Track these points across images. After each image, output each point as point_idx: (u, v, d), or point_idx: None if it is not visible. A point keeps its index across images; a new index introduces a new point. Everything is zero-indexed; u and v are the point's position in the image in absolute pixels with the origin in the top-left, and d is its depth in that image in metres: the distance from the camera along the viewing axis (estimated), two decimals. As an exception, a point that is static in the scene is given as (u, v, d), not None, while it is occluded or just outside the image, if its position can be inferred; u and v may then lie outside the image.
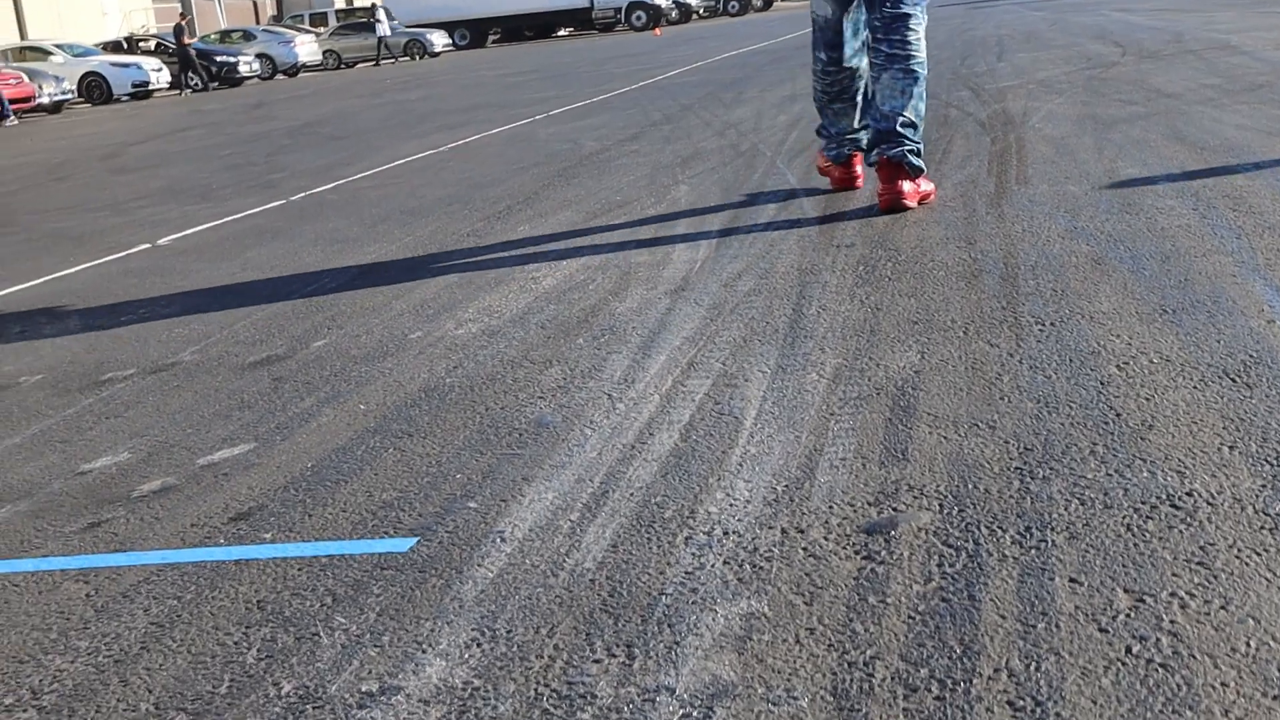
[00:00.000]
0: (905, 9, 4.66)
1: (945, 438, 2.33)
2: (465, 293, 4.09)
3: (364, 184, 7.47)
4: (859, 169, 5.21)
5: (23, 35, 36.66)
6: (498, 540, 2.10)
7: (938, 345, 2.92)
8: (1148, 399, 2.43)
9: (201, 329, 4.02)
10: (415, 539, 2.13)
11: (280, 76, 35.15)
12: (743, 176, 5.99)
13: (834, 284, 3.64)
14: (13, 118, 23.22)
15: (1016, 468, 2.16)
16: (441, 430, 2.71)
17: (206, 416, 3.04)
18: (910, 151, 4.66)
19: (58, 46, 30.04)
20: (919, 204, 4.68)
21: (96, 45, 32.30)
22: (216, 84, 31.80)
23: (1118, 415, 2.36)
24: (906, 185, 4.63)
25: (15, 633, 1.97)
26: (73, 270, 5.48)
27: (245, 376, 3.37)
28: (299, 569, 2.07)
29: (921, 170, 4.69)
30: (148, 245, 5.99)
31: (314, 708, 1.64)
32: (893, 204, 4.61)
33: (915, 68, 4.67)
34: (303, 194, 7.27)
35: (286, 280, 4.69)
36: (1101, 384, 2.54)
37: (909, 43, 4.66)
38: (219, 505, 2.42)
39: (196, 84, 31.24)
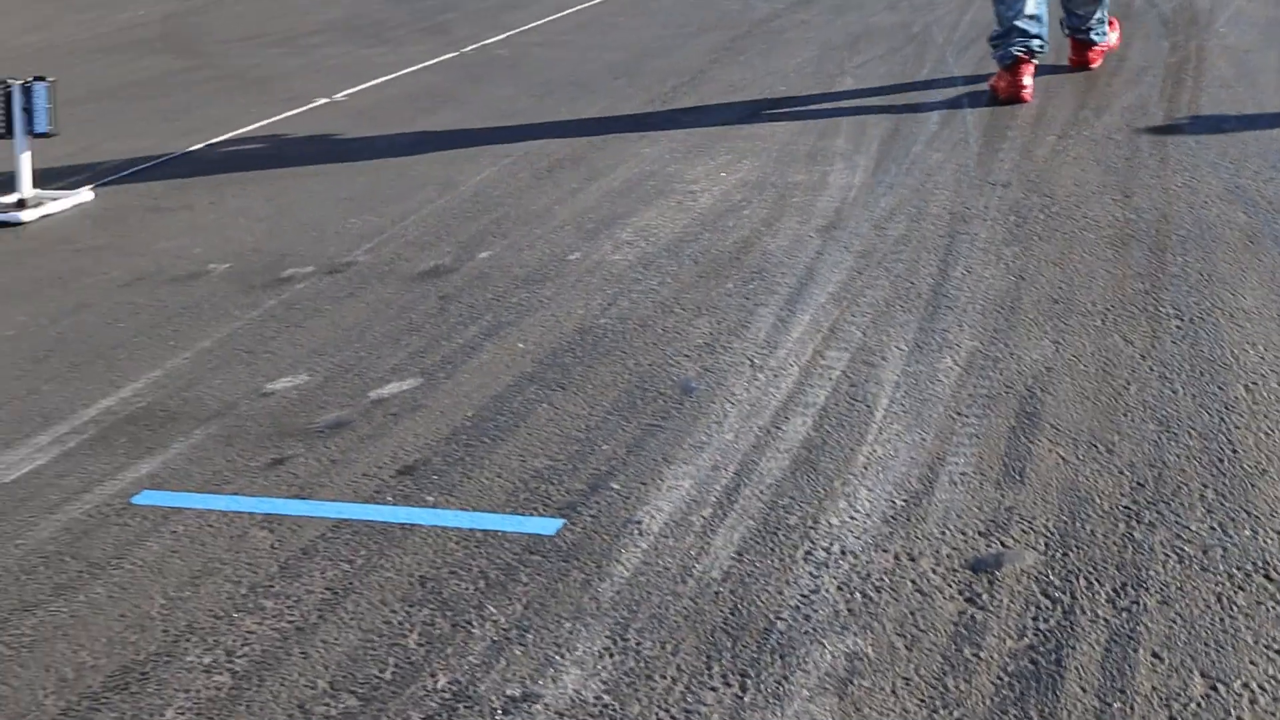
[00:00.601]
0: None
1: (1063, 458, 2.47)
2: (625, 205, 4.24)
3: (534, 38, 7.57)
4: (1026, 80, 5.21)
5: None
6: (635, 532, 2.31)
7: (1074, 335, 3.02)
8: (1267, 434, 2.52)
9: (375, 221, 4.25)
10: (562, 521, 2.35)
11: None
12: (910, 69, 5.99)
13: (983, 237, 3.72)
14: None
15: (1126, 507, 2.30)
16: (592, 386, 2.91)
17: (378, 338, 3.28)
18: (1096, 34, 5.62)
19: None
20: (1100, 60, 5.71)
21: None
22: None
23: (1234, 452, 2.46)
24: (1093, 53, 5.67)
25: (212, 582, 2.24)
26: (253, 127, 5.73)
27: (414, 290, 3.60)
28: (456, 542, 2.31)
29: (1103, 39, 5.68)
30: (324, 100, 6.20)
31: (465, 707, 1.88)
32: (1081, 65, 5.69)
33: None
34: (474, 46, 7.40)
35: (458, 163, 4.88)
36: (1225, 408, 2.64)
37: None
38: (387, 453, 2.66)
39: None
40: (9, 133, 4.62)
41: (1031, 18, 5.15)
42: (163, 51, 8.04)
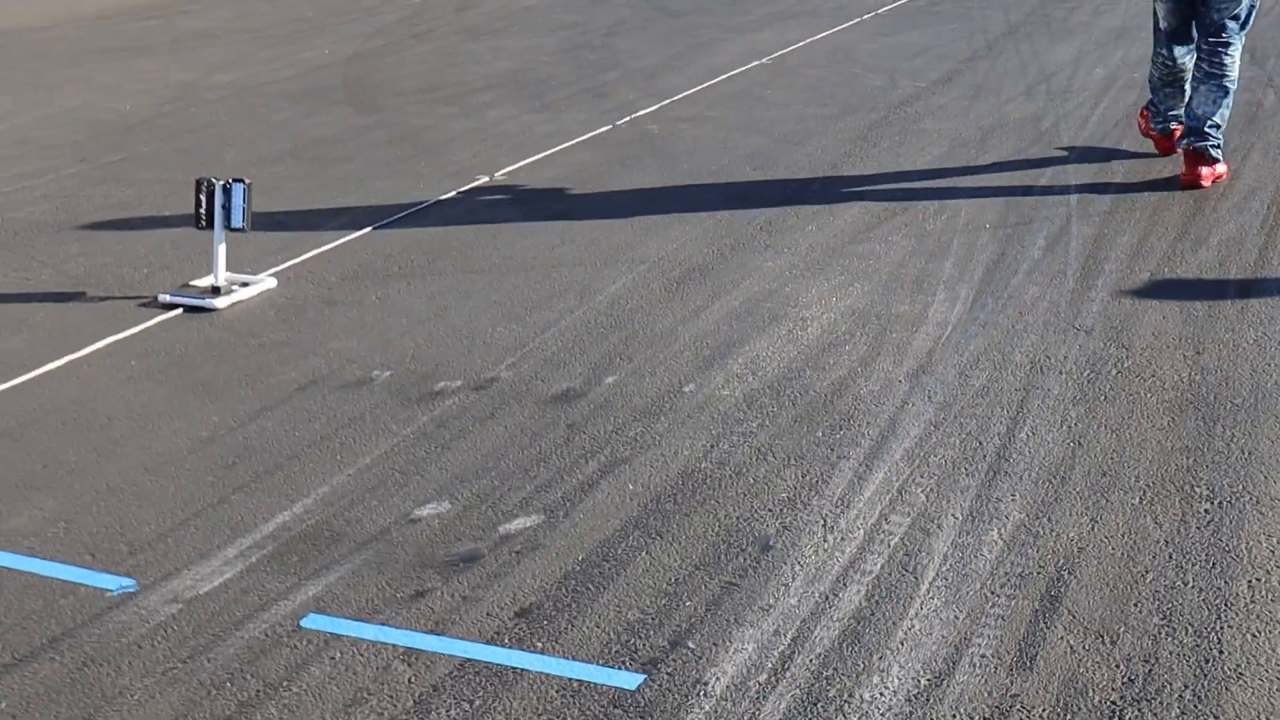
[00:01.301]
0: (1227, 37, 5.95)
1: (1071, 647, 2.92)
2: (741, 330, 4.74)
3: (684, 110, 8.08)
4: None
5: None
6: (701, 694, 2.82)
7: (1111, 513, 3.45)
8: (1254, 635, 2.94)
9: (519, 332, 4.81)
10: (643, 677, 2.88)
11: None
12: (1030, 176, 6.37)
13: (1055, 394, 4.14)
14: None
15: (1113, 702, 2.74)
16: (686, 536, 3.43)
17: (511, 467, 3.84)
18: (1212, 146, 6.02)
19: None
20: (1211, 184, 6.04)
21: None
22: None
23: (1220, 652, 2.88)
24: (1204, 169, 6.03)
25: (360, 712, 2.82)
26: (423, 205, 6.34)
27: (546, 415, 4.15)
28: (557, 690, 2.85)
29: (1218, 160, 6.06)
30: (484, 179, 6.80)
31: None
32: (1192, 184, 6.03)
33: (1227, 85, 5.99)
34: (627, 118, 7.94)
35: (597, 267, 5.42)
36: (1225, 604, 3.05)
37: (1225, 65, 5.97)
38: (509, 594, 3.21)
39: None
40: (209, 225, 5.29)
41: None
42: (343, 103, 8.74)
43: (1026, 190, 6.20)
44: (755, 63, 9.46)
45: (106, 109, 8.83)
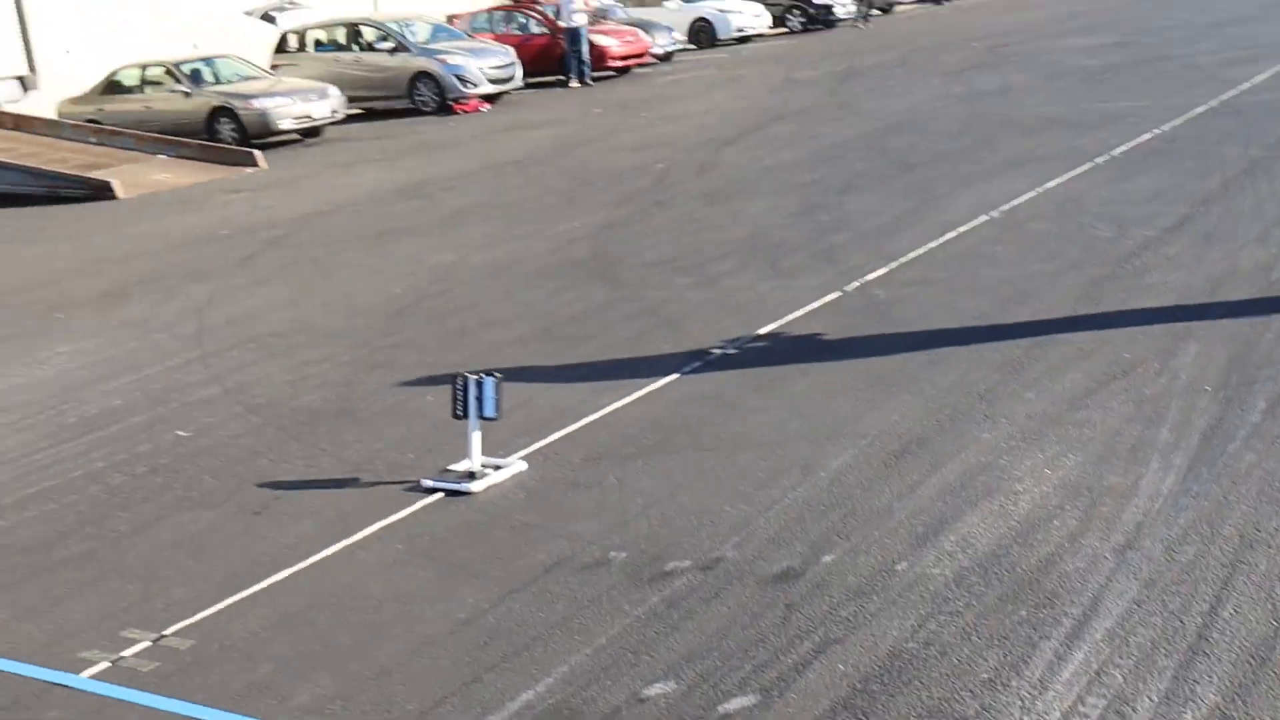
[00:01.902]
0: None
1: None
2: (954, 506, 4.98)
3: (912, 273, 8.37)
4: None
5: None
6: None
7: (1307, 696, 3.56)
8: None
9: (744, 511, 5.16)
10: None
11: (875, 13, 36.13)
12: (1255, 332, 6.42)
13: (1262, 569, 4.25)
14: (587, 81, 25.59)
15: None
16: (890, 718, 3.69)
17: (732, 647, 4.17)
18: None
19: (679, -9, 32.49)
20: None
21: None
22: (818, 25, 33.22)
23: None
24: None
25: None
26: (659, 384, 6.78)
27: (767, 595, 4.47)
28: None
29: None
30: (719, 351, 7.22)
31: None
32: None
33: None
34: (856, 283, 8.28)
35: (820, 442, 5.74)
36: None
37: None
38: (725, 773, 3.53)
39: (795, 26, 32.91)
40: (464, 416, 5.84)
41: None
42: (591, 279, 9.35)
43: (1252, 347, 6.26)
44: (984, 217, 9.69)
45: (378, 293, 9.66)
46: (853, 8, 34.47)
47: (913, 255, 8.84)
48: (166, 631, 4.67)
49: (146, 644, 4.59)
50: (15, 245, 14.27)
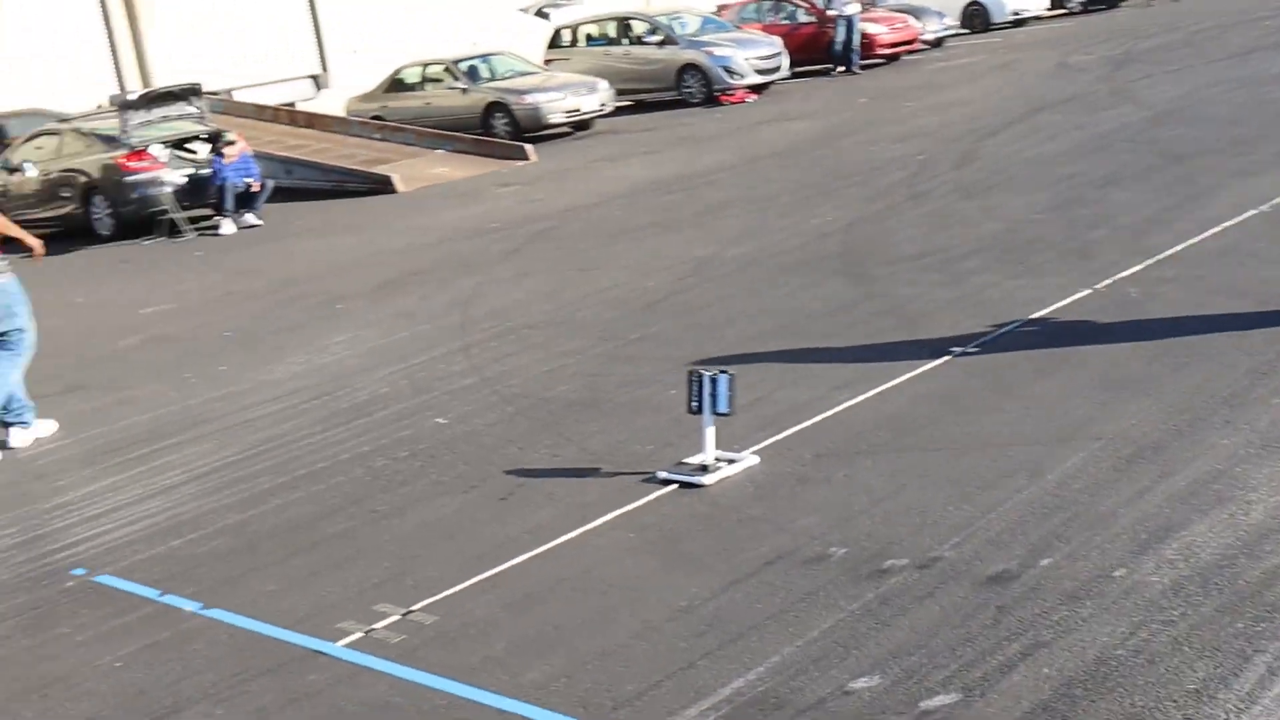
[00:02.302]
0: None
1: None
2: (1182, 513, 4.92)
3: (1168, 270, 8.16)
4: None
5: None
6: None
7: None
8: None
9: (967, 512, 5.22)
10: None
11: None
12: None
13: None
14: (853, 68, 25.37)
15: None
16: (1090, 723, 3.74)
17: (940, 645, 4.27)
18: None
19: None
20: None
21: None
22: (1101, 4, 32.15)
23: None
24: None
25: None
26: (892, 384, 6.86)
27: (979, 596, 4.54)
28: None
29: None
30: (957, 350, 7.23)
31: None
32: None
33: None
34: (1107, 281, 8.13)
35: (1051, 445, 5.72)
36: None
37: None
38: (920, 768, 3.65)
39: (1075, 6, 31.92)
40: (699, 411, 6.07)
41: None
42: (838, 274, 9.45)
43: None
44: (1251, 212, 9.36)
45: (633, 287, 9.99)
46: (1137, -15, 33.15)
47: (1170, 252, 8.62)
48: (414, 607, 5.05)
49: (396, 618, 4.98)
50: (304, 238, 15.25)
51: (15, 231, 7.97)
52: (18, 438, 7.93)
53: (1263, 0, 24.64)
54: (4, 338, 7.92)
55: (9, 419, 8.07)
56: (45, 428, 8.07)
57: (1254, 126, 12.94)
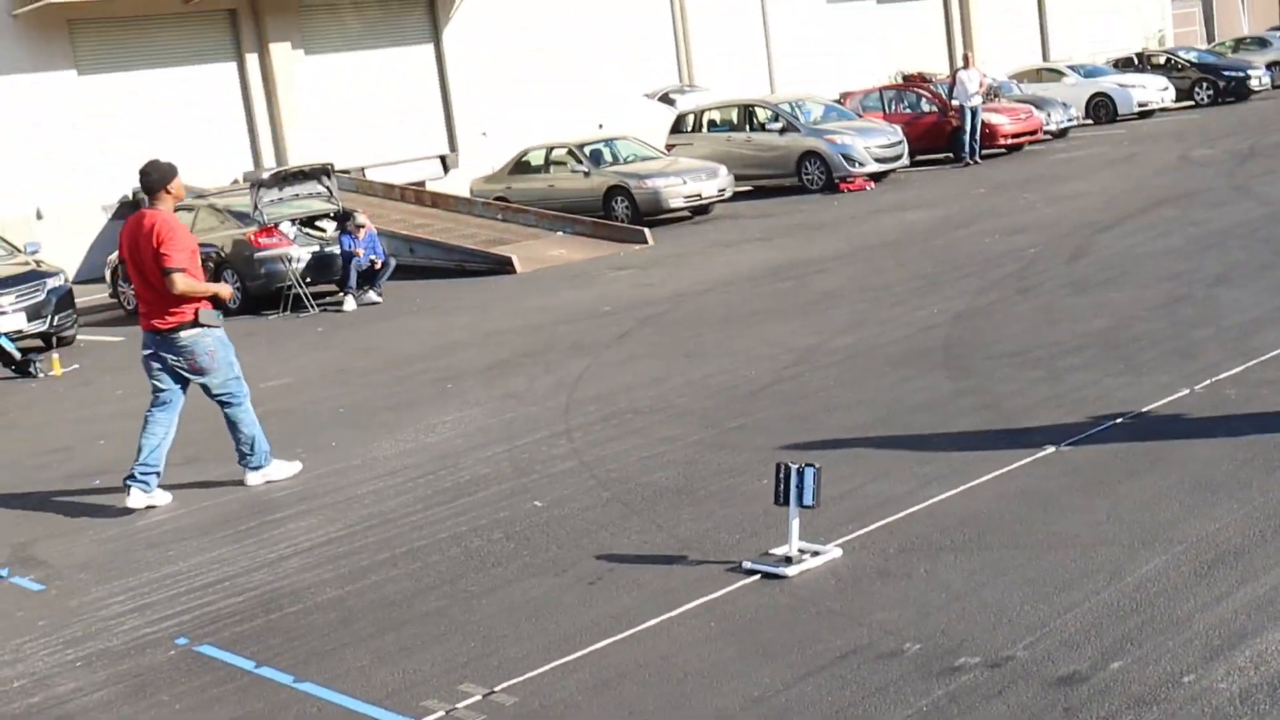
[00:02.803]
0: None
1: None
2: (1258, 621, 4.93)
3: (1270, 373, 8.09)
4: None
5: (1045, 55, 39.19)
6: None
7: None
8: None
9: (1043, 611, 5.27)
10: None
11: (1295, 85, 34.32)
12: None
13: None
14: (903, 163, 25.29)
15: None
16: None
17: (1003, 746, 4.33)
18: None
19: (1070, 68, 31.93)
20: None
21: (1106, 63, 33.75)
22: (1230, 97, 31.86)
23: None
24: None
25: None
26: (984, 479, 6.90)
27: (1047, 697, 4.59)
28: None
29: None
30: (1051, 449, 7.27)
31: None
32: None
33: None
34: (1206, 383, 8.11)
35: (1134, 547, 5.74)
36: None
37: None
38: None
39: (1203, 99, 31.67)
40: (785, 503, 6.19)
41: None
42: (939, 368, 9.51)
43: None
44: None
45: (737, 374, 10.16)
46: (1267, 78, 32.83)
47: (1274, 354, 8.57)
48: (497, 688, 5.23)
49: (478, 698, 5.16)
50: (422, 317, 15.70)
51: (210, 289, 8.42)
52: (136, 499, 8.31)
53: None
54: (227, 390, 8.42)
55: (254, 463, 8.55)
56: (161, 498, 8.44)
57: (1374, 226, 12.76)
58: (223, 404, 8.49)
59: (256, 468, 8.61)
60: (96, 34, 24.63)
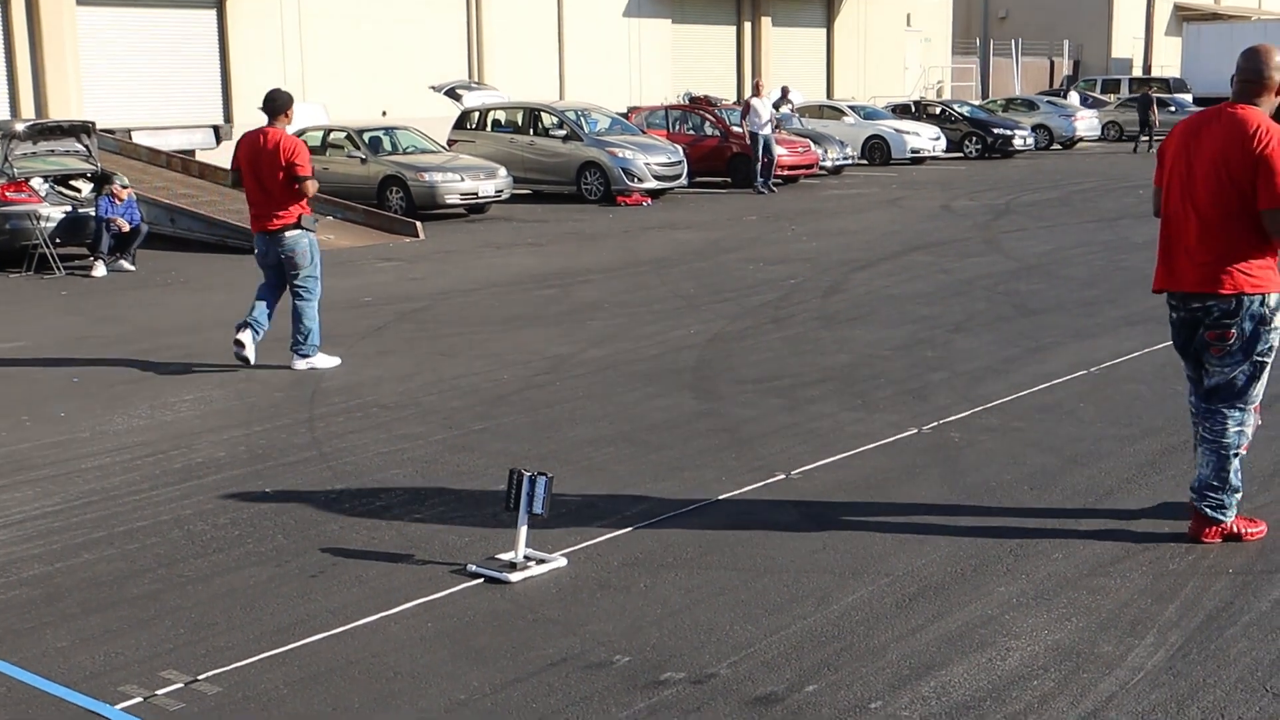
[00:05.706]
0: (1221, 407, 6.17)
1: None
2: (944, 654, 5.18)
3: (992, 419, 8.55)
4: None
5: (829, 93, 40.40)
6: None
7: None
8: None
9: (750, 633, 5.43)
10: None
11: (1056, 147, 36.17)
12: (1275, 565, 6.49)
13: (1212, 756, 4.39)
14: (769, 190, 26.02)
15: None
16: (812, 847, 3.94)
17: (693, 761, 4.46)
18: (1209, 506, 6.22)
19: (851, 108, 32.99)
20: (1224, 540, 6.24)
21: (885, 108, 35.00)
22: (996, 153, 33.40)
23: None
24: (1209, 529, 6.23)
25: None
26: (721, 497, 7.10)
27: (742, 713, 4.74)
28: None
29: (1220, 521, 6.22)
30: (781, 476, 7.51)
31: None
32: (1195, 538, 6.27)
33: (1224, 451, 6.17)
34: (933, 424, 8.49)
35: (843, 577, 5.96)
36: None
37: (1223, 433, 6.18)
38: None
39: (971, 152, 33.11)
40: (515, 509, 6.24)
41: None
42: (686, 387, 9.72)
43: (1291, 535, 6.34)
44: (1081, 372, 9.83)
45: (489, 378, 10.17)
46: (1031, 139, 34.52)
47: (999, 402, 9.02)
48: (200, 676, 5.13)
49: (179, 685, 5.05)
50: (175, 291, 15.25)
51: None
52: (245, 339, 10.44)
53: (1142, 166, 25.76)
54: (305, 285, 10.35)
55: (303, 351, 10.37)
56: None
57: (1104, 290, 13.58)
58: (296, 294, 10.29)
59: (305, 355, 10.33)
60: None
